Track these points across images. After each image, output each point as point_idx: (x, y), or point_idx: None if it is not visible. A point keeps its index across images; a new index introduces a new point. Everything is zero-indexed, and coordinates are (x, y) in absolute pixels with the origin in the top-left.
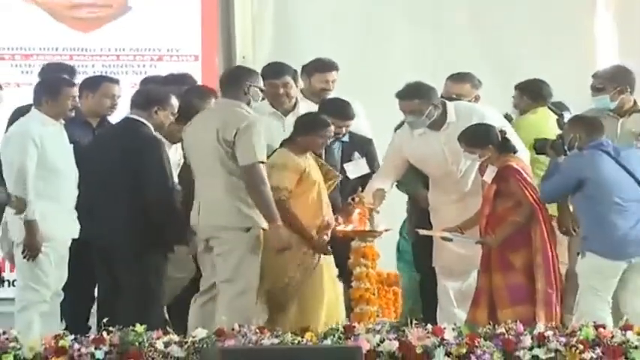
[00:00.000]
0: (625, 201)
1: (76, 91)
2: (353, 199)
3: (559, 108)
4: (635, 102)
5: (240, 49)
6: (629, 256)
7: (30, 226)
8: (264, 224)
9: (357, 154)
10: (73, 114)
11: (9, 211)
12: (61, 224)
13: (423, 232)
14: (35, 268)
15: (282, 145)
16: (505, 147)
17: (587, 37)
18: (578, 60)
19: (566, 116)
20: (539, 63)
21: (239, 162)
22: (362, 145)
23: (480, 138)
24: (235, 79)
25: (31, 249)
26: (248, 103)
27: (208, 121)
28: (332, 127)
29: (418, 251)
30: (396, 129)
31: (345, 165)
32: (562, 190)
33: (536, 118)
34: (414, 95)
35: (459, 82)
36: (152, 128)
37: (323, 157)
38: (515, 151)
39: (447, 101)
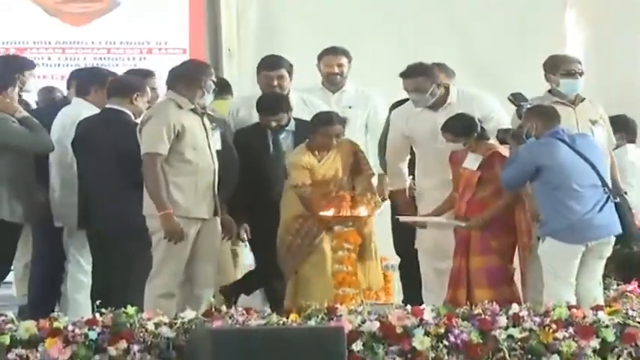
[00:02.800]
0: (582, 187)
1: None
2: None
3: (518, 99)
4: None
5: (226, 43)
6: (587, 239)
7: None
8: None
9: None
10: None
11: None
12: None
13: (403, 218)
14: (83, 251)
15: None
16: (482, 135)
17: (557, 33)
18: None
19: (525, 107)
20: (510, 58)
21: None
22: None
23: (465, 128)
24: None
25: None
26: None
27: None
28: (334, 127)
29: (397, 236)
30: (391, 109)
31: None
32: (521, 177)
33: None
34: (417, 73)
35: None
36: (133, 116)
37: (271, 149)
38: (487, 138)
39: (450, 84)
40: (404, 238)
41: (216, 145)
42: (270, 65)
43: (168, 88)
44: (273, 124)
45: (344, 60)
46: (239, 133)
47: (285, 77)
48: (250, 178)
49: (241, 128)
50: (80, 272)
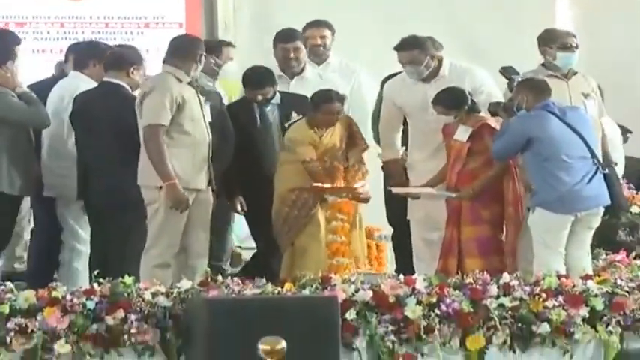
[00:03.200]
0: (571, 158)
1: None
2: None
3: (509, 72)
4: None
5: (222, 17)
6: (576, 210)
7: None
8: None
9: (294, 114)
10: None
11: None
12: None
13: (396, 190)
14: (81, 221)
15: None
16: (473, 108)
17: (547, 11)
18: (538, 32)
19: (516, 80)
20: (500, 36)
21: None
22: (296, 104)
23: (456, 101)
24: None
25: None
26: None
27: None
28: (334, 104)
29: (390, 207)
30: (382, 83)
31: (287, 125)
32: (512, 149)
33: None
34: (412, 46)
35: None
36: (130, 89)
37: (258, 122)
38: (478, 111)
39: (444, 57)
40: (396, 208)
41: (207, 117)
42: (286, 38)
43: (164, 62)
44: (260, 97)
45: (327, 32)
46: (226, 107)
47: (301, 49)
48: (240, 152)
49: (228, 103)
50: (79, 242)
